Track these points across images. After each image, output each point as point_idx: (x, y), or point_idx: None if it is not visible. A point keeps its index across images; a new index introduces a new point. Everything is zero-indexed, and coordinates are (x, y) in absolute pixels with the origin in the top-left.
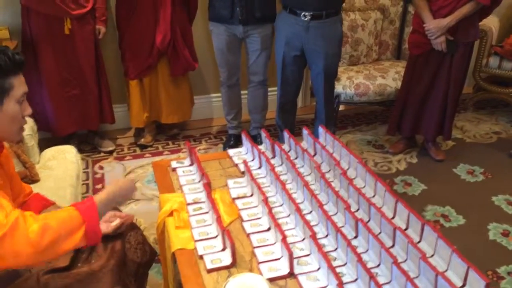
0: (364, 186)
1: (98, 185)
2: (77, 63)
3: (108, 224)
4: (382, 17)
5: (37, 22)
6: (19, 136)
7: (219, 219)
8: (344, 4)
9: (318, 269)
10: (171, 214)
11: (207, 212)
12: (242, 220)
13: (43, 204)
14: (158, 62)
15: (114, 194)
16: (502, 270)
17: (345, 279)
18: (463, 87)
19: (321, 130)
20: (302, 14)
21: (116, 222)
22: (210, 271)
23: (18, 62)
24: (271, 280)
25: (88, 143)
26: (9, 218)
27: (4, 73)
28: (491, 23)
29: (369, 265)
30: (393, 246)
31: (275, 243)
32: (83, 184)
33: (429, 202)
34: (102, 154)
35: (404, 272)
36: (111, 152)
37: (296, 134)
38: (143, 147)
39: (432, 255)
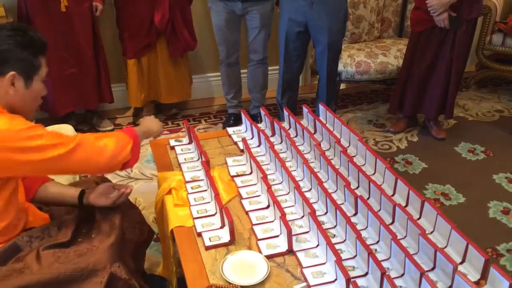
0: (364, 164)
1: None
2: (74, 41)
3: (107, 196)
4: None
5: None
6: (36, 114)
7: (217, 197)
8: None
9: (317, 246)
10: (169, 192)
11: (205, 190)
12: (241, 198)
13: (42, 179)
14: (156, 42)
15: (144, 131)
16: (501, 247)
17: (344, 255)
18: (465, 65)
19: (321, 108)
20: None
21: (115, 193)
22: (208, 248)
23: (45, 43)
24: (270, 257)
25: (87, 123)
26: (76, 136)
27: (38, 52)
28: None
29: (368, 241)
30: (392, 223)
31: (274, 221)
32: None
33: (430, 181)
34: None
35: (403, 248)
36: None
37: (297, 113)
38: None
39: (432, 232)
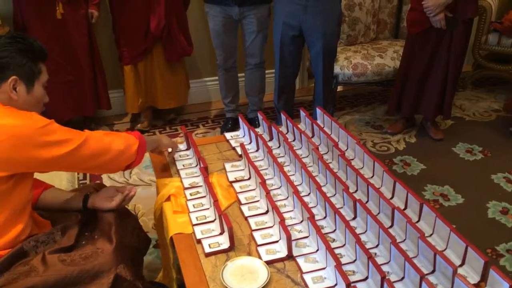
0: (362, 167)
1: None
2: (70, 48)
3: (111, 199)
4: None
5: (28, 7)
6: None
7: (216, 203)
8: None
9: (317, 250)
10: (168, 199)
11: (204, 196)
12: (240, 204)
13: (43, 186)
14: (153, 47)
15: (154, 139)
16: (501, 247)
17: (343, 260)
18: (462, 65)
19: (319, 111)
20: None
21: (119, 196)
22: (208, 255)
23: (44, 50)
24: (270, 263)
25: (84, 129)
26: (85, 132)
27: (38, 58)
28: None
29: (368, 245)
30: (391, 226)
31: (273, 226)
32: None
33: (428, 182)
34: None
35: (402, 252)
36: None
37: (295, 116)
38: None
39: (431, 235)
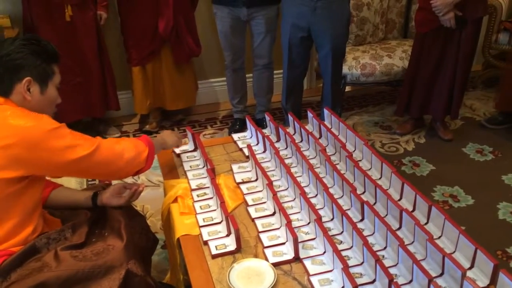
0: (370, 168)
1: None
2: (79, 50)
3: (119, 196)
4: None
5: (37, 9)
6: None
7: (223, 205)
8: None
9: (324, 253)
10: (175, 200)
11: (211, 198)
12: (246, 205)
13: (52, 185)
14: (161, 49)
15: (161, 142)
16: (511, 249)
17: (351, 262)
18: (472, 64)
19: (326, 112)
20: None
21: (127, 192)
22: (214, 256)
23: (57, 52)
24: (276, 265)
25: (94, 130)
26: (97, 138)
27: (51, 59)
28: None
29: (376, 248)
30: (399, 228)
31: (280, 228)
32: None
33: (438, 183)
34: None
35: (410, 254)
36: None
37: (303, 116)
38: (148, 133)
39: (440, 237)
